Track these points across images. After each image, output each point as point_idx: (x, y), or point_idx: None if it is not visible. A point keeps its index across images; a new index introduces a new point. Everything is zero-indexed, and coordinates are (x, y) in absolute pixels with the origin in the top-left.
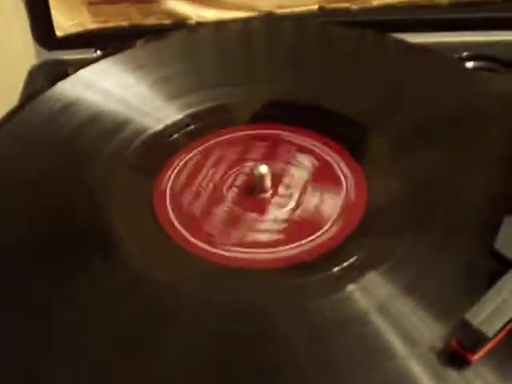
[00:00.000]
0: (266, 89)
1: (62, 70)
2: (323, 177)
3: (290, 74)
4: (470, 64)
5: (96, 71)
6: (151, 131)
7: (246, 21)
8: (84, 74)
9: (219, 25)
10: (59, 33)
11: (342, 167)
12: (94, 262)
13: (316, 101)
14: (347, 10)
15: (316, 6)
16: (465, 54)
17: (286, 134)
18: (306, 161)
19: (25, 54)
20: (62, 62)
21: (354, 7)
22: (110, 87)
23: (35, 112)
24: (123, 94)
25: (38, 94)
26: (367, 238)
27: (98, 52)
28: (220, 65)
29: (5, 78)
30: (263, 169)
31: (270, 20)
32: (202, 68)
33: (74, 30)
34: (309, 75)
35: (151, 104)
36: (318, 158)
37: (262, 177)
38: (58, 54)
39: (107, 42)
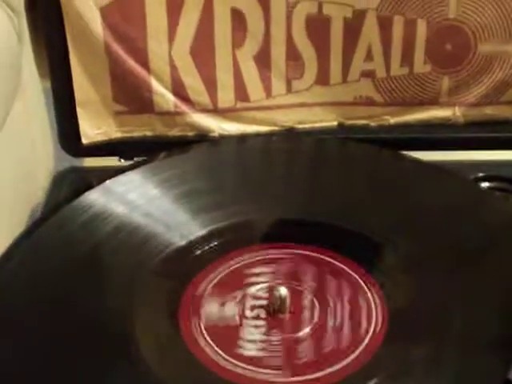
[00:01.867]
0: (285, 206)
1: (87, 178)
2: (339, 295)
3: (308, 192)
4: (485, 184)
5: (121, 183)
6: (175, 246)
7: (266, 136)
8: (110, 185)
9: (240, 140)
10: (85, 141)
11: (359, 284)
12: (115, 367)
13: (332, 219)
14: (365, 127)
15: (335, 123)
16: (480, 174)
17: (304, 254)
18: (323, 278)
19: (47, 157)
20: (85, 170)
21: (373, 124)
22: (135, 199)
23: (61, 222)
24: (148, 207)
25: (63, 205)
26: (387, 357)
27: (122, 161)
28: (241, 180)
29: (25, 180)
30: (283, 291)
31: (290, 136)
32: (223, 183)
33: (99, 138)
34: (326, 192)
35: (175, 218)
36: (335, 275)
37: (282, 299)
38: (82, 159)
39: (131, 152)
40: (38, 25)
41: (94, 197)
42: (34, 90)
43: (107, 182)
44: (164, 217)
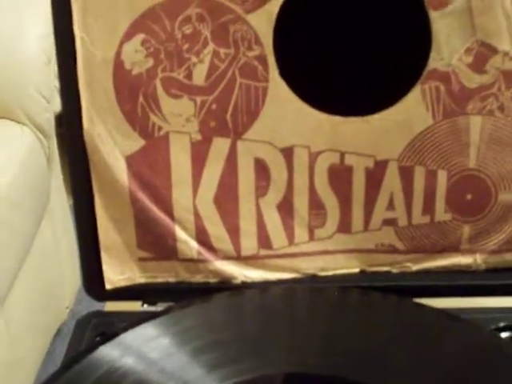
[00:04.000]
0: (305, 359)
1: (109, 323)
2: None
3: (329, 345)
4: (505, 334)
5: (138, 336)
6: None
7: (287, 286)
8: (125, 338)
9: (262, 289)
10: (108, 286)
11: None
12: None
13: (351, 373)
14: (387, 274)
15: (357, 270)
16: (501, 324)
17: None
18: None
19: (73, 276)
20: (109, 314)
21: (395, 271)
22: (151, 353)
23: (76, 378)
24: (163, 362)
25: (79, 358)
26: None
27: (145, 305)
28: (261, 331)
29: (51, 298)
30: None
31: (311, 284)
32: (244, 335)
33: (122, 283)
34: (346, 345)
35: (191, 374)
36: None
37: None
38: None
39: (154, 297)
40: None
41: (110, 351)
42: (61, 210)
43: (123, 335)
44: (179, 373)
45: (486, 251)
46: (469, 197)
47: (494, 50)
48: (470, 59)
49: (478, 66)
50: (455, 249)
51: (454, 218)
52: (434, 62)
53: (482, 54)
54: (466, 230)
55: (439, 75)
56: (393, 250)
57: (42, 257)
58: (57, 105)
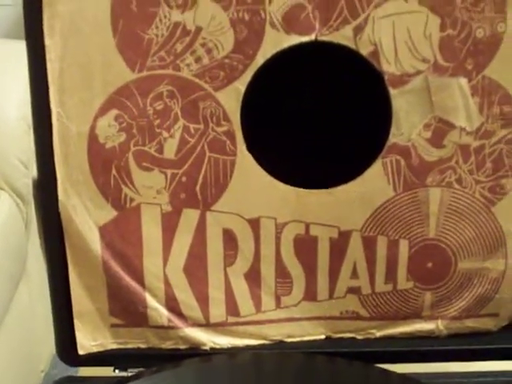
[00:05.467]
0: None
1: None
2: None
3: None
4: None
5: None
6: None
7: (255, 353)
8: None
9: (231, 355)
10: (81, 352)
11: None
12: None
13: None
14: (352, 340)
15: (323, 336)
16: None
17: None
18: None
19: (49, 341)
20: (81, 379)
21: (359, 337)
22: None
23: None
24: None
25: None
26: None
27: (117, 371)
28: None
29: (26, 361)
30: None
31: (278, 351)
32: None
33: (95, 349)
34: None
35: None
36: None
37: None
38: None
39: (126, 363)
40: None
41: None
42: (38, 274)
43: None
44: None
45: (447, 317)
46: (430, 265)
47: (451, 126)
48: (428, 134)
49: (437, 140)
50: (417, 315)
51: (415, 285)
52: (395, 137)
53: (440, 129)
54: (428, 297)
55: (399, 149)
56: (357, 317)
57: (18, 320)
58: (35, 170)
